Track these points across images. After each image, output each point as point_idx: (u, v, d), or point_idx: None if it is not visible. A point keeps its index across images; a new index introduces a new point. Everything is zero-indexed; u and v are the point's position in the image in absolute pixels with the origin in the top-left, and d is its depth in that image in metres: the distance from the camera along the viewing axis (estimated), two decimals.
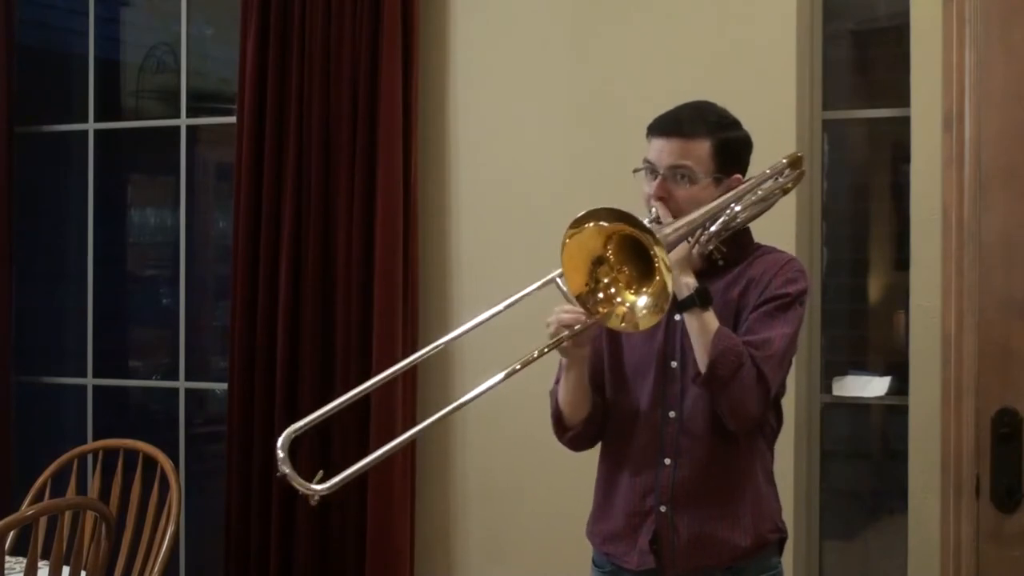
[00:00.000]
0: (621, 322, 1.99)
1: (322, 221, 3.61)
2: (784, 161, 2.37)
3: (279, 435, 3.60)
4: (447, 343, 2.21)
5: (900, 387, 3.27)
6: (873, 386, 3.37)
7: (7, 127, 4.15)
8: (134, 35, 4.59)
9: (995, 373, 2.19)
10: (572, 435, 2.29)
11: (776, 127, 3.11)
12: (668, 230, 2.03)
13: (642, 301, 1.95)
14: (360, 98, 3.57)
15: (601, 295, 1.99)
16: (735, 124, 2.26)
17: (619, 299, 1.98)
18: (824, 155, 3.39)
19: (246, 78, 3.69)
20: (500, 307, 2.12)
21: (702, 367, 2.09)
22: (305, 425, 2.03)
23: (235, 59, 3.76)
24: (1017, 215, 2.19)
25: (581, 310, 2.03)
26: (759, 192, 2.27)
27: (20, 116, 4.23)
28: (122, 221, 4.63)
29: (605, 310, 1.99)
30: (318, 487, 1.96)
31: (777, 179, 2.34)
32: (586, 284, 1.99)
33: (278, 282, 3.64)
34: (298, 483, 1.94)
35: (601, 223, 1.94)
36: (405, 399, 3.53)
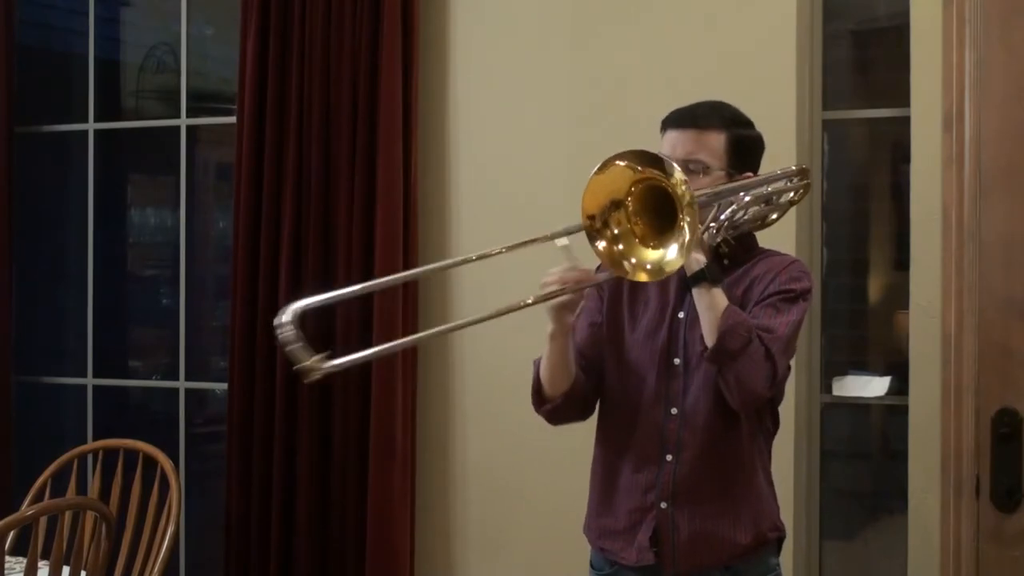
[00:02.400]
0: (647, 274, 1.99)
1: (322, 221, 3.61)
2: (792, 168, 2.39)
3: (279, 435, 3.65)
4: (456, 263, 2.12)
5: (900, 387, 3.26)
6: (873, 386, 3.37)
7: (7, 127, 4.15)
8: (134, 35, 4.59)
9: (995, 373, 2.19)
10: (550, 408, 2.28)
11: (776, 127, 3.09)
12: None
13: (672, 252, 1.95)
14: (360, 98, 3.57)
15: (603, 243, 1.99)
16: (749, 123, 2.29)
17: (633, 258, 1.98)
18: (824, 155, 3.39)
19: (246, 78, 3.69)
20: (503, 247, 2.10)
21: (710, 342, 2.09)
22: (315, 303, 1.90)
23: (235, 59, 3.76)
24: (1017, 215, 2.19)
25: (587, 269, 2.05)
26: (768, 188, 2.28)
27: (20, 116, 4.23)
28: (122, 221, 4.63)
29: (605, 249, 1.99)
30: (325, 364, 1.82)
31: (786, 182, 2.35)
32: (590, 217, 1.99)
33: (278, 282, 3.64)
34: (301, 352, 1.79)
35: (632, 166, 1.95)
36: (405, 396, 3.53)
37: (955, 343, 2.24)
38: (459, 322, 2.02)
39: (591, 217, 1.99)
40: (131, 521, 3.29)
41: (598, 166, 1.98)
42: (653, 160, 1.96)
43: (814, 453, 3.35)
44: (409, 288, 3.55)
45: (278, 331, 1.80)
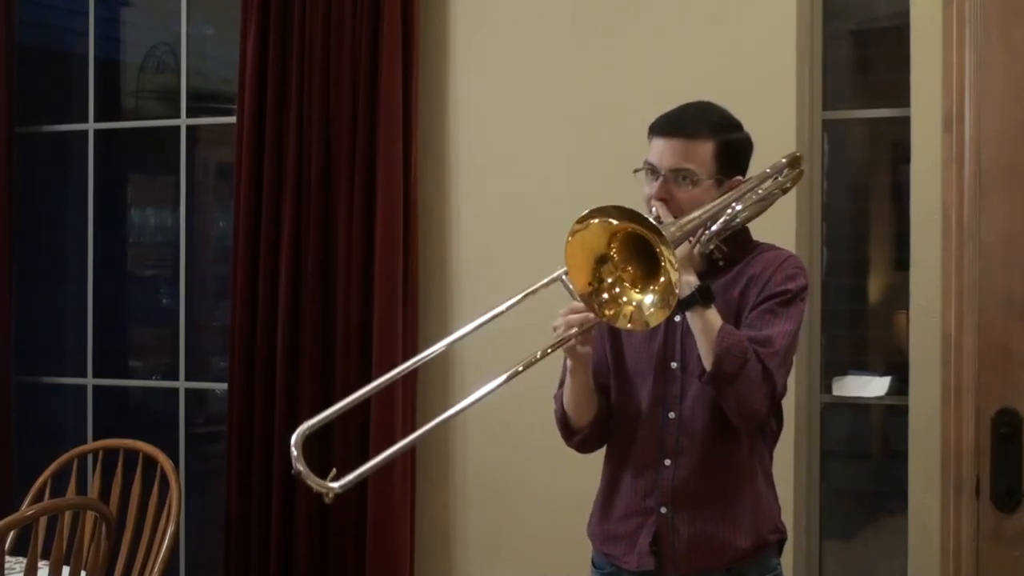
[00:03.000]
0: (628, 322, 1.98)
1: (322, 221, 3.61)
2: (783, 160, 2.37)
3: (279, 435, 3.65)
4: (452, 343, 2.18)
5: (900, 387, 3.26)
6: (873, 386, 3.37)
7: (7, 127, 4.15)
8: (134, 35, 4.59)
9: (995, 373, 2.19)
10: (580, 439, 2.29)
11: (776, 127, 3.11)
12: (672, 228, 2.02)
13: (649, 299, 1.95)
14: (360, 98, 3.57)
15: (606, 295, 1.99)
16: (737, 126, 2.26)
17: (624, 299, 1.98)
18: (824, 155, 3.39)
19: (246, 78, 3.69)
20: (504, 306, 2.10)
21: (707, 364, 2.08)
22: (318, 423, 1.98)
23: (235, 59, 3.76)
24: (1017, 215, 2.19)
25: (587, 310, 2.02)
26: (759, 191, 2.27)
27: (20, 116, 4.23)
28: (122, 221, 4.63)
29: (611, 311, 1.98)
30: (334, 485, 1.91)
31: (777, 178, 2.34)
32: (590, 284, 1.98)
33: (278, 282, 3.64)
34: (313, 481, 1.89)
35: (607, 220, 1.93)
36: (405, 402, 3.53)
37: (955, 343, 2.24)
38: (481, 392, 2.05)
39: (590, 283, 1.99)
40: (131, 521, 3.29)
41: (571, 232, 1.95)
42: (625, 212, 1.93)
43: (814, 453, 3.35)
44: (408, 303, 3.53)
45: (292, 458, 1.90)
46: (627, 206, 1.93)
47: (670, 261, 1.87)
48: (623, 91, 3.40)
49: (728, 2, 3.33)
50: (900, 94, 3.18)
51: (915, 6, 3.11)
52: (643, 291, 1.96)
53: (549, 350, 2.08)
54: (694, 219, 2.10)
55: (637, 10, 3.41)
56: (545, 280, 2.10)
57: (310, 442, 3.53)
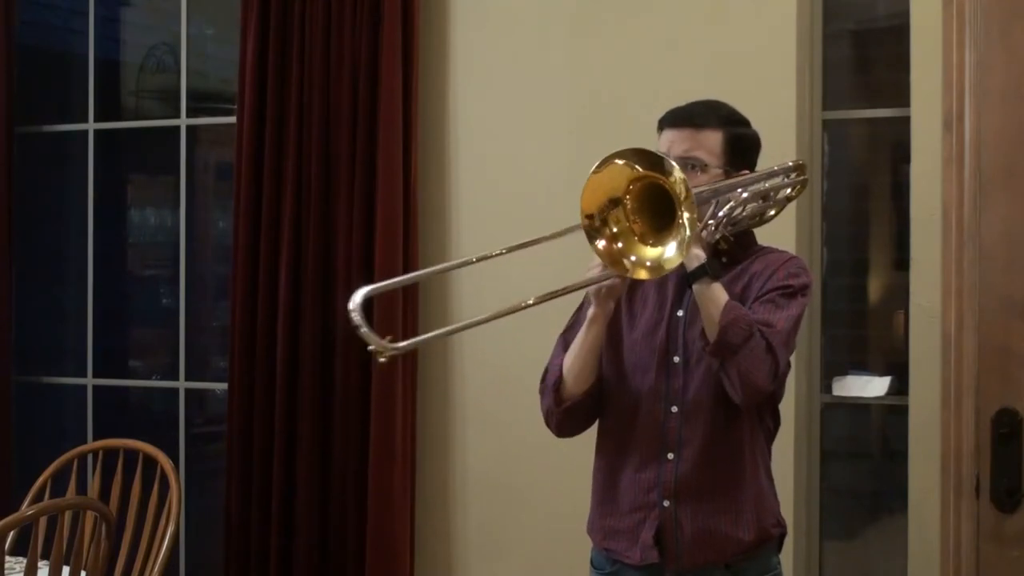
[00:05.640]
0: (634, 271, 2.01)
1: (322, 221, 3.61)
2: (789, 163, 2.39)
3: (279, 435, 3.65)
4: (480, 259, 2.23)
5: (900, 387, 3.27)
6: (873, 386, 3.37)
7: (7, 127, 4.15)
8: (134, 35, 4.59)
9: (995, 373, 2.19)
10: (568, 406, 2.25)
11: (776, 127, 3.10)
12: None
13: (671, 249, 1.96)
14: (360, 98, 3.57)
15: (603, 241, 2.01)
16: (745, 122, 2.30)
17: (633, 256, 2.00)
18: (824, 155, 3.39)
19: (246, 78, 3.69)
20: (523, 241, 2.15)
21: (711, 336, 2.09)
22: (379, 288, 2.09)
23: (235, 59, 3.76)
24: (1017, 215, 2.19)
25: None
26: (766, 185, 2.29)
27: (20, 116, 4.23)
28: (122, 221, 4.63)
29: (605, 248, 2.01)
30: (390, 345, 1.93)
31: (784, 178, 2.35)
32: (590, 217, 2.00)
33: (278, 282, 3.64)
34: (372, 338, 1.92)
35: (631, 165, 1.97)
36: (405, 396, 3.53)
37: (955, 343, 2.24)
38: (504, 309, 2.07)
39: (590, 216, 2.01)
40: (131, 521, 3.28)
41: (596, 165, 1.99)
42: (652, 158, 1.97)
43: (814, 453, 3.35)
44: (408, 303, 3.54)
45: (351, 315, 1.94)
46: (653, 150, 1.98)
47: (689, 200, 1.89)
48: (623, 91, 3.40)
49: (728, 2, 3.33)
50: (900, 94, 3.18)
51: (915, 6, 3.11)
52: (655, 244, 1.99)
53: (580, 283, 2.12)
54: (705, 187, 2.13)
55: (637, 10, 3.41)
56: (565, 228, 2.13)
57: (311, 442, 3.56)
